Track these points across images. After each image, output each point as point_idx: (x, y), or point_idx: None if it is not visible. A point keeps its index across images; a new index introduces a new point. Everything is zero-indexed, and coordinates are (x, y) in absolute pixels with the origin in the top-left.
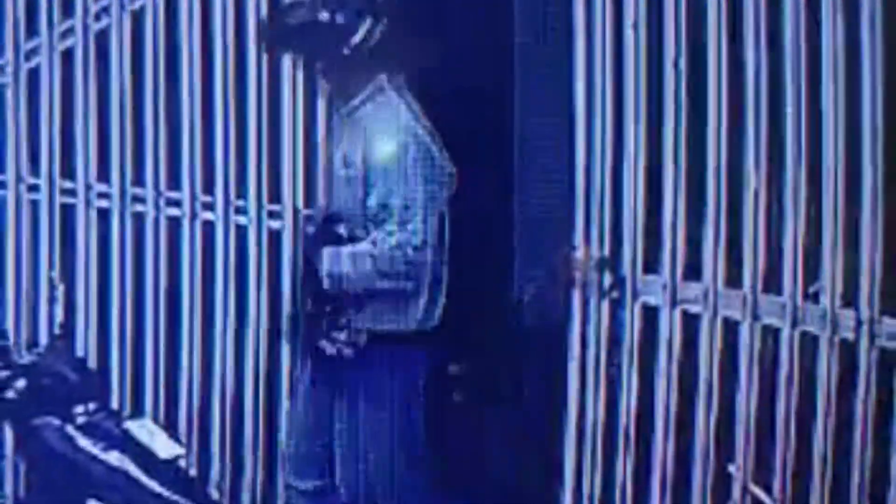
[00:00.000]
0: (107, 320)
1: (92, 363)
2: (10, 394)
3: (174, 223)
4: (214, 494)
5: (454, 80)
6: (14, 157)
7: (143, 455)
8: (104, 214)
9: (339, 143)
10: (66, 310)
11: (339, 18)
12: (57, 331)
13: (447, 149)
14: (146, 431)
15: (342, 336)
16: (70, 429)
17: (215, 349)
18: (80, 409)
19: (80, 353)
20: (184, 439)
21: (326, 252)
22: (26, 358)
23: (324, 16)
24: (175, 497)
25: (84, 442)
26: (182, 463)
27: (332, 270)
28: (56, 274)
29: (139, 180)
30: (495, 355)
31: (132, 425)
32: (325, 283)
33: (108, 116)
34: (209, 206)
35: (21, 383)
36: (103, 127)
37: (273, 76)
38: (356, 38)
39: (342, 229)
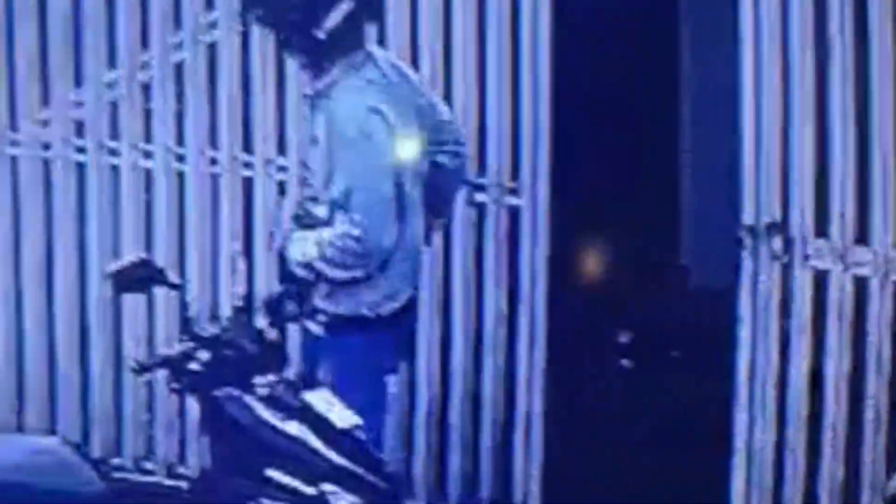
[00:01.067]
0: None
1: (271, 335)
2: (194, 365)
3: None
4: (390, 463)
5: (620, 58)
6: (194, 132)
7: (321, 425)
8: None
9: (310, 122)
10: (247, 282)
11: None
12: (237, 303)
13: (617, 117)
14: (324, 401)
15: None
16: (251, 400)
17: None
18: (260, 380)
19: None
20: None
21: (296, 235)
22: (209, 330)
23: None
24: (353, 466)
25: (264, 413)
26: (359, 433)
27: (299, 255)
28: (238, 246)
29: None
30: (663, 321)
31: (310, 396)
32: (294, 266)
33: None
34: None
35: (204, 355)
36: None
37: None
38: (331, 22)
39: (321, 211)
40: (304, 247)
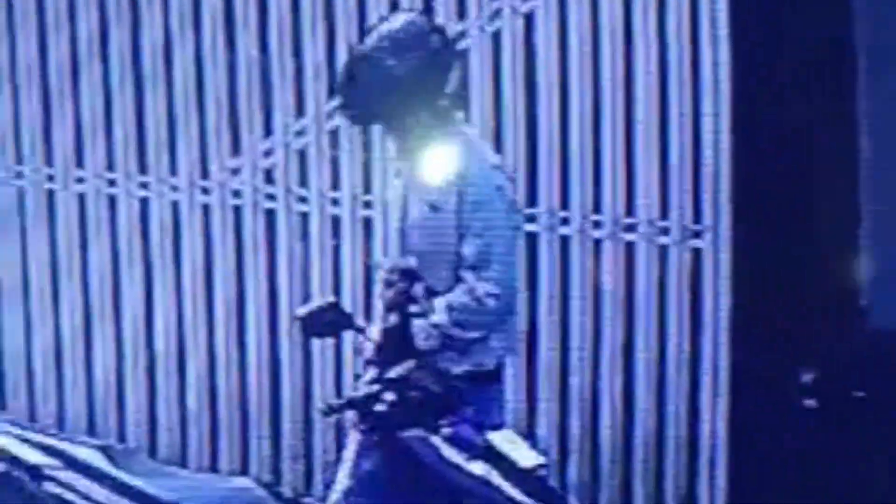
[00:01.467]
0: None
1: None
2: (380, 406)
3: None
4: (574, 502)
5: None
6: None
7: (505, 464)
8: None
9: (414, 190)
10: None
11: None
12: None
13: (796, 155)
14: (507, 441)
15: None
16: (435, 440)
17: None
18: (444, 420)
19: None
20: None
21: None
22: (395, 371)
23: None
24: None
25: (449, 452)
26: (543, 472)
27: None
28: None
29: None
30: (844, 360)
31: (494, 436)
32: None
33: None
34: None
35: (390, 396)
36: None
37: None
38: (448, 88)
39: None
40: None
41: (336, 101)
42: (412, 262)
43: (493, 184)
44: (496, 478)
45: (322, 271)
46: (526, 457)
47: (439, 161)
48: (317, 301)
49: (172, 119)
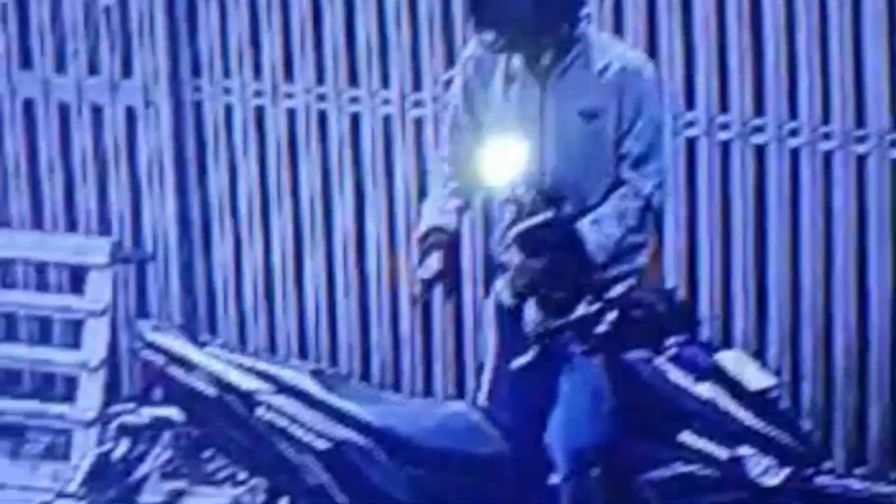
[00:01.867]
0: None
1: (680, 294)
2: (602, 327)
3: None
4: (807, 425)
5: None
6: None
7: (733, 386)
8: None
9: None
10: None
11: None
12: None
13: None
14: (737, 362)
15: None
16: (660, 361)
17: (804, 274)
18: (670, 341)
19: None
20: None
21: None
22: (616, 290)
23: None
24: (767, 429)
25: (675, 374)
26: (774, 394)
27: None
28: None
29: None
30: None
31: (722, 356)
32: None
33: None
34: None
35: (612, 316)
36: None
37: None
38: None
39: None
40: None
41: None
42: (549, 184)
43: (649, 78)
44: (724, 400)
45: None
46: (756, 378)
47: (592, 67)
48: (537, 217)
49: (384, 30)
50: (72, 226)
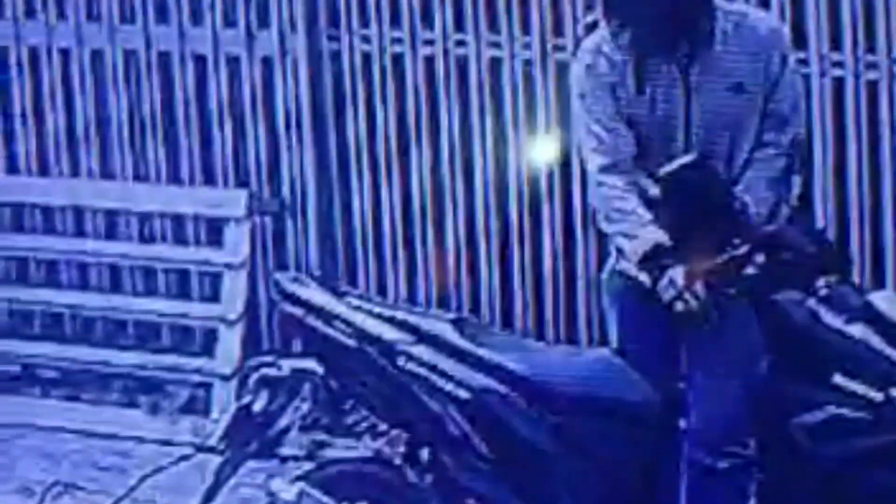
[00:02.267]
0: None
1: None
2: (750, 269)
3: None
4: None
5: None
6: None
7: (886, 326)
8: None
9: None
10: None
11: None
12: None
13: None
14: (889, 302)
15: None
16: (812, 302)
17: None
18: (821, 282)
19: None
20: None
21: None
22: (764, 232)
23: None
24: None
25: (827, 316)
26: None
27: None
28: None
29: None
30: None
31: (874, 297)
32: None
33: None
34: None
35: (760, 258)
36: None
37: None
38: None
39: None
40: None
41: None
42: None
43: (784, 35)
44: (877, 341)
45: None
46: None
47: (730, 39)
48: (683, 158)
49: None
50: (209, 178)
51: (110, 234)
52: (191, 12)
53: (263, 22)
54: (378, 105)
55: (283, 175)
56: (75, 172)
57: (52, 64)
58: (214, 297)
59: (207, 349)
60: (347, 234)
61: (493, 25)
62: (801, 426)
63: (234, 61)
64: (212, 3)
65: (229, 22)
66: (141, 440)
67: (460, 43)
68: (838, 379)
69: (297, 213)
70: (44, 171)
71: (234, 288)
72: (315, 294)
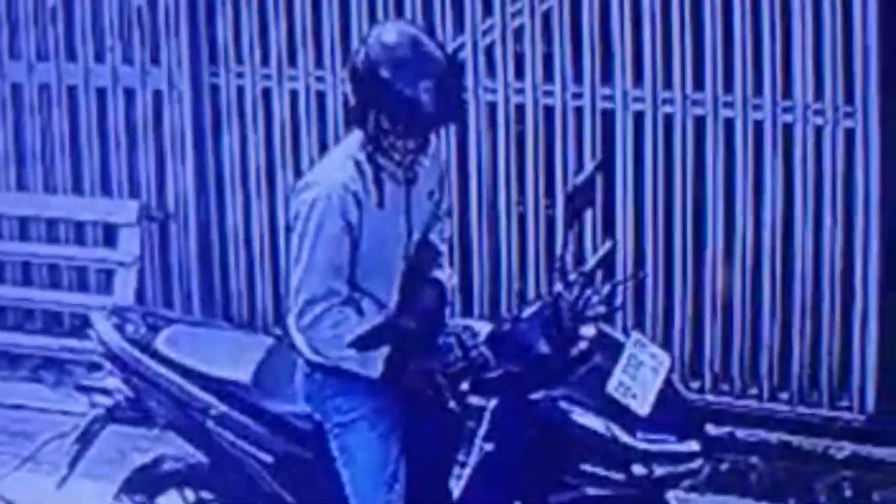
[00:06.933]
0: None
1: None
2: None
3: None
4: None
5: None
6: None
7: (623, 415)
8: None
9: None
10: None
11: None
12: None
13: None
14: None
15: None
16: (562, 403)
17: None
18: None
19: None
20: None
21: None
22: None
23: None
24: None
25: (573, 412)
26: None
27: None
28: None
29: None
30: None
31: (609, 386)
32: None
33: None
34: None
35: (465, 385)
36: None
37: None
38: None
39: None
40: None
41: None
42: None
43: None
44: (616, 430)
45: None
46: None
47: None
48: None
49: None
50: (106, 190)
51: (23, 236)
52: (94, 52)
53: (155, 60)
54: (249, 131)
55: (169, 188)
56: None
57: None
58: (108, 290)
59: None
60: (221, 241)
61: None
62: (557, 502)
63: (130, 93)
64: (112, 46)
65: (126, 60)
66: (45, 410)
67: (319, 79)
68: (585, 466)
69: (179, 220)
70: None
71: (126, 282)
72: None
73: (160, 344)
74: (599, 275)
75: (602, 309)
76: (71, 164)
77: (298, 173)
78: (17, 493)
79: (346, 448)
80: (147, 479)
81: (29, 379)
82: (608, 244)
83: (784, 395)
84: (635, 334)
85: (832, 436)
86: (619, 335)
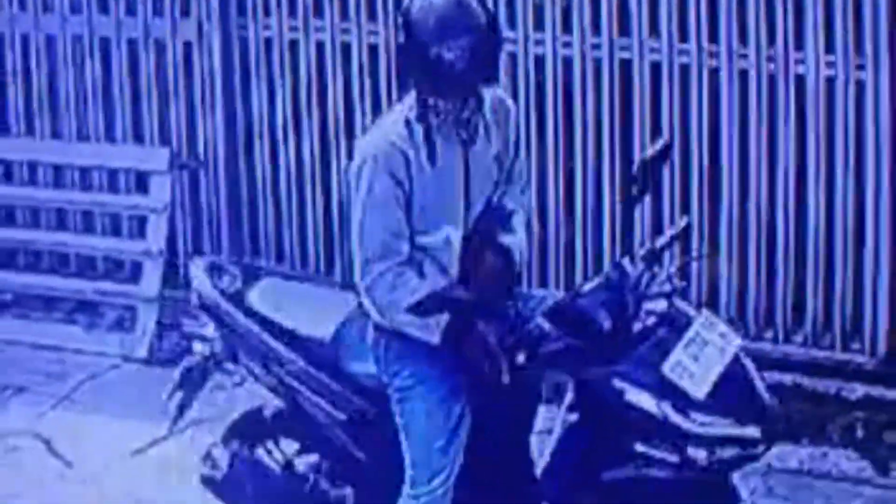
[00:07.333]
0: None
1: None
2: (521, 358)
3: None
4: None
5: None
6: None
7: (677, 397)
8: None
9: None
10: None
11: None
12: None
13: None
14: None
15: None
16: (616, 381)
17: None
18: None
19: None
20: None
21: None
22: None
23: None
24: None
25: (629, 393)
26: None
27: None
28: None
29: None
30: None
31: (665, 366)
32: None
33: None
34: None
35: (521, 357)
36: None
37: None
38: None
39: None
40: None
41: None
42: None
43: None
44: (670, 412)
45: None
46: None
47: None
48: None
49: None
50: (138, 138)
51: (58, 183)
52: (126, 5)
53: (185, 13)
54: (277, 81)
55: (199, 137)
56: (30, 132)
57: (15, 46)
58: (141, 235)
59: (134, 277)
60: (250, 187)
61: (373, 15)
62: (611, 479)
63: (160, 45)
64: None
65: (157, 13)
66: (79, 351)
67: (345, 31)
68: (639, 446)
69: (209, 168)
70: (5, 131)
71: (157, 228)
72: (213, 294)
73: (251, 297)
74: (669, 251)
75: (668, 286)
76: (104, 113)
77: (324, 122)
78: (53, 431)
79: (403, 412)
80: (251, 426)
81: (64, 321)
82: (683, 221)
83: (798, 338)
84: (705, 312)
85: (845, 378)
86: (692, 311)
